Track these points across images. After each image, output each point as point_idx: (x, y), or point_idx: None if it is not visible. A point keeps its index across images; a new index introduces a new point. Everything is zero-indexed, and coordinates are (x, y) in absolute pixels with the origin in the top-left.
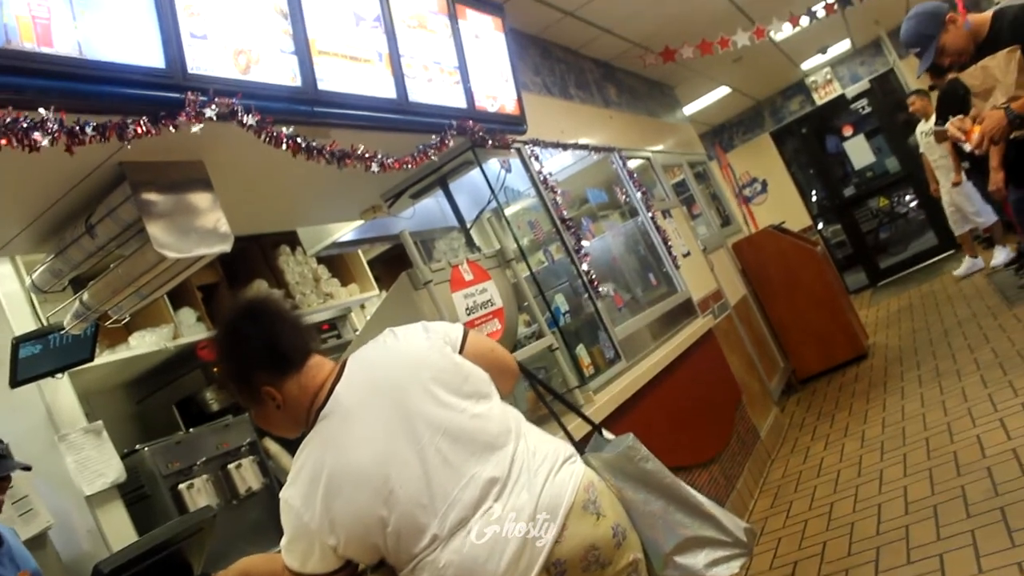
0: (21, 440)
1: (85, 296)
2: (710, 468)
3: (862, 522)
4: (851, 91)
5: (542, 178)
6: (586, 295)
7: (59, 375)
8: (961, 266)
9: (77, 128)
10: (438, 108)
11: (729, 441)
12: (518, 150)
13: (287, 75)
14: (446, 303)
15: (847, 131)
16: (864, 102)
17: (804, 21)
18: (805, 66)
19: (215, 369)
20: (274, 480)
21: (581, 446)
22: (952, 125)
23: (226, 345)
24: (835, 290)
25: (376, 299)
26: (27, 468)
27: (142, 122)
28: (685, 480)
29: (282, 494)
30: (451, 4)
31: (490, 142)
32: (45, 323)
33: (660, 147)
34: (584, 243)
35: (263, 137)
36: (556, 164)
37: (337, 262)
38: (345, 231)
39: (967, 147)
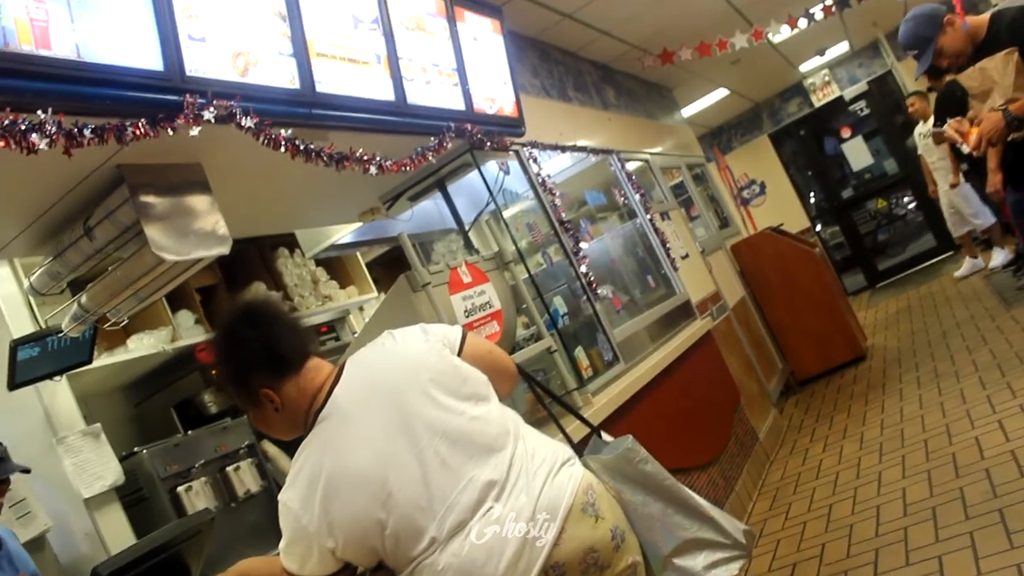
0: (19, 443)
1: (83, 298)
2: (709, 470)
3: (861, 524)
4: (849, 93)
5: (540, 180)
6: (584, 297)
7: (57, 378)
8: (962, 267)
9: (75, 130)
10: (436, 110)
11: (728, 443)
12: (516, 152)
13: (285, 77)
14: (444, 305)
15: (845, 133)
16: (862, 104)
17: (802, 23)
18: (803, 68)
19: (213, 372)
20: (272, 483)
21: (580, 448)
22: (950, 127)
23: (224, 347)
24: (833, 292)
25: (375, 301)
26: (26, 471)
27: (140, 124)
28: (684, 482)
29: (280, 497)
30: (449, 6)
31: (488, 144)
32: (43, 325)
33: (658, 149)
34: (582, 245)
35: (261, 139)
36: (554, 166)
37: (335, 264)
38: (343, 233)
39: (965, 149)
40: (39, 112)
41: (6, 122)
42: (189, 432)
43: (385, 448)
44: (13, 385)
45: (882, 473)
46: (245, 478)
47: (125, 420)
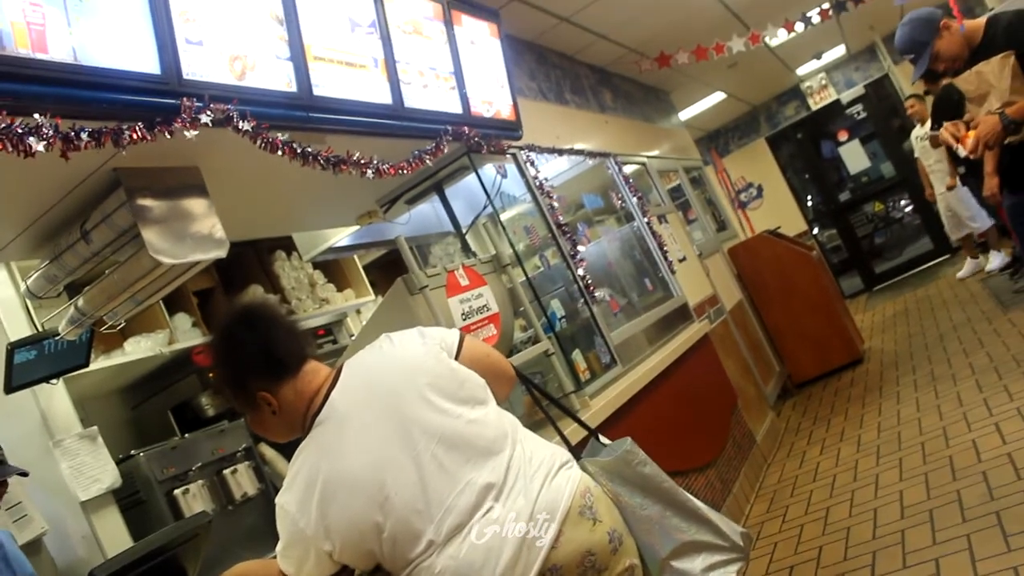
0: (16, 446)
1: (80, 302)
2: (706, 473)
3: (858, 527)
4: (846, 96)
5: (538, 183)
6: (582, 300)
7: (54, 381)
8: (964, 268)
9: (72, 134)
10: (434, 114)
11: (725, 446)
12: (514, 155)
13: (282, 81)
14: (442, 308)
15: (842, 136)
16: (859, 107)
17: (799, 27)
18: (800, 72)
19: (211, 374)
20: (270, 485)
21: (577, 451)
22: (946, 130)
23: (222, 350)
24: (831, 295)
25: (372, 304)
26: (24, 474)
27: (137, 128)
28: (681, 485)
29: (278, 500)
30: (447, 10)
31: (486, 148)
32: (40, 329)
33: (656, 152)
34: (580, 248)
35: (258, 143)
36: (552, 169)
37: (333, 267)
38: (341, 236)
39: (961, 152)
40: (36, 115)
41: (3, 125)
42: (186, 435)
43: (382, 451)
44: (10, 388)
45: (879, 476)
46: (242, 481)
47: (122, 423)
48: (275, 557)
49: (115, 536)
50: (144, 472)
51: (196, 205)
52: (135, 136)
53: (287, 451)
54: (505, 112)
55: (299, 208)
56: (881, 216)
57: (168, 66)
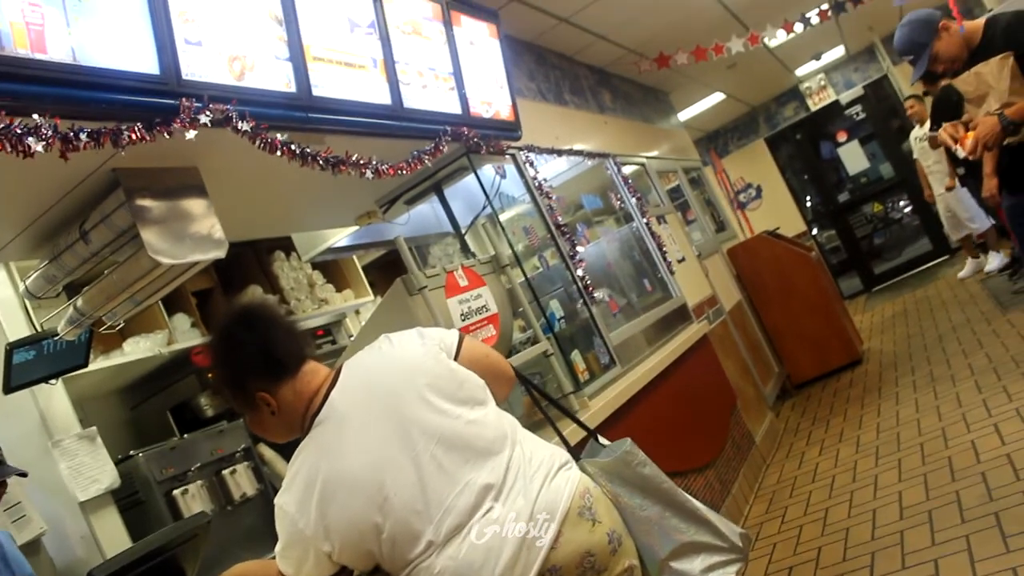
0: (15, 446)
1: (79, 302)
2: (705, 473)
3: (857, 527)
4: (845, 97)
5: (537, 184)
6: (581, 301)
7: (53, 381)
8: (964, 268)
9: (71, 134)
10: (433, 114)
11: (724, 446)
12: (513, 156)
13: (282, 81)
14: (441, 309)
15: (841, 137)
16: (858, 108)
17: (798, 27)
18: (799, 72)
19: (210, 375)
20: (269, 486)
21: (577, 452)
22: (944, 131)
23: (221, 351)
24: (830, 295)
25: (371, 305)
26: (23, 474)
27: (136, 128)
28: (680, 485)
29: (277, 500)
30: (446, 11)
31: (485, 148)
32: (39, 329)
33: (655, 153)
34: (579, 249)
35: (258, 143)
36: (551, 170)
37: (332, 268)
38: (340, 237)
39: (960, 153)
40: (35, 116)
41: (2, 126)
42: (185, 435)
43: (381, 452)
44: (9, 389)
45: (878, 476)
46: (241, 481)
47: (121, 423)
48: (274, 558)
49: (114, 536)
50: (143, 472)
51: (195, 205)
52: (134, 136)
53: (286, 451)
54: (504, 113)
55: (298, 208)
56: (880, 217)
57: (167, 66)
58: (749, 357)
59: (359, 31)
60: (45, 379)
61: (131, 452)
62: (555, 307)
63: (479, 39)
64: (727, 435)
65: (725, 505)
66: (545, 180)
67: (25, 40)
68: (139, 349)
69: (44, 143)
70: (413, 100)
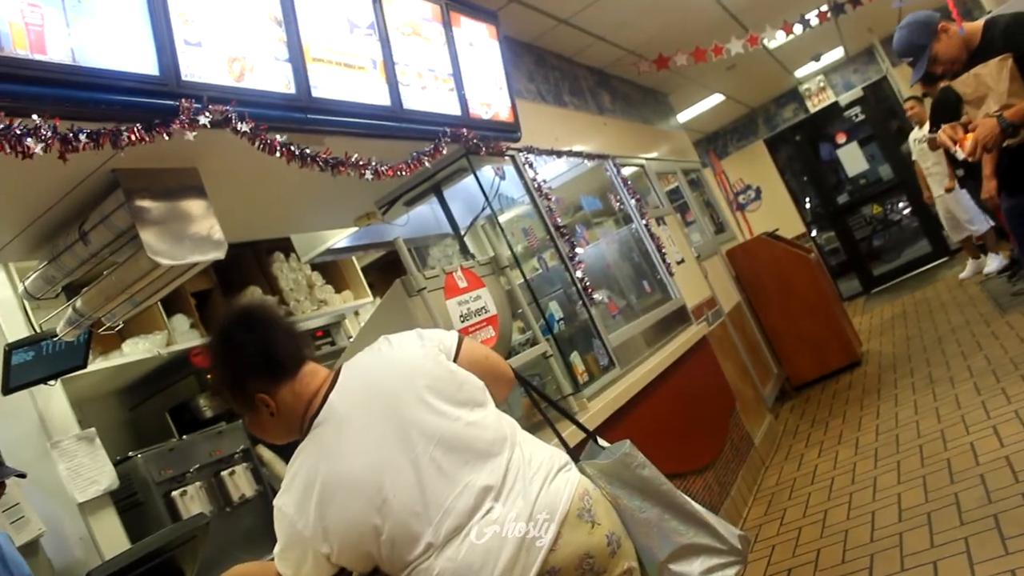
0: (13, 447)
1: (78, 303)
2: (704, 475)
3: (856, 529)
4: (844, 99)
5: (536, 185)
6: (580, 302)
7: (52, 382)
8: (965, 269)
9: (71, 135)
10: (432, 115)
11: (723, 448)
12: (512, 157)
13: (281, 82)
14: (440, 310)
15: (840, 138)
16: (857, 110)
17: (797, 29)
18: (799, 74)
19: (209, 376)
20: (268, 487)
21: (576, 453)
22: (943, 132)
23: (220, 352)
24: (829, 297)
25: (370, 306)
26: (22, 475)
27: (136, 129)
28: (679, 487)
29: (276, 501)
30: (445, 12)
31: (484, 149)
32: (38, 330)
33: (654, 154)
34: (578, 250)
35: (257, 144)
36: (550, 171)
37: (331, 269)
38: (339, 238)
39: (960, 155)
40: (34, 116)
41: (1, 126)
42: (184, 436)
43: (380, 453)
44: (7, 389)
45: (877, 478)
46: (240, 483)
47: (120, 424)
48: (273, 559)
49: (113, 538)
50: (142, 473)
51: (194, 206)
52: (133, 137)
53: (285, 453)
54: (504, 114)
55: (297, 209)
56: (879, 218)
57: (167, 67)
58: (748, 359)
59: (359, 32)
60: (44, 380)
61: (130, 453)
62: (554, 308)
63: (478, 40)
64: (726, 437)
65: (724, 507)
66: (544, 181)
67: (24, 41)
68: (138, 350)
69: (43, 144)
70: (412, 101)
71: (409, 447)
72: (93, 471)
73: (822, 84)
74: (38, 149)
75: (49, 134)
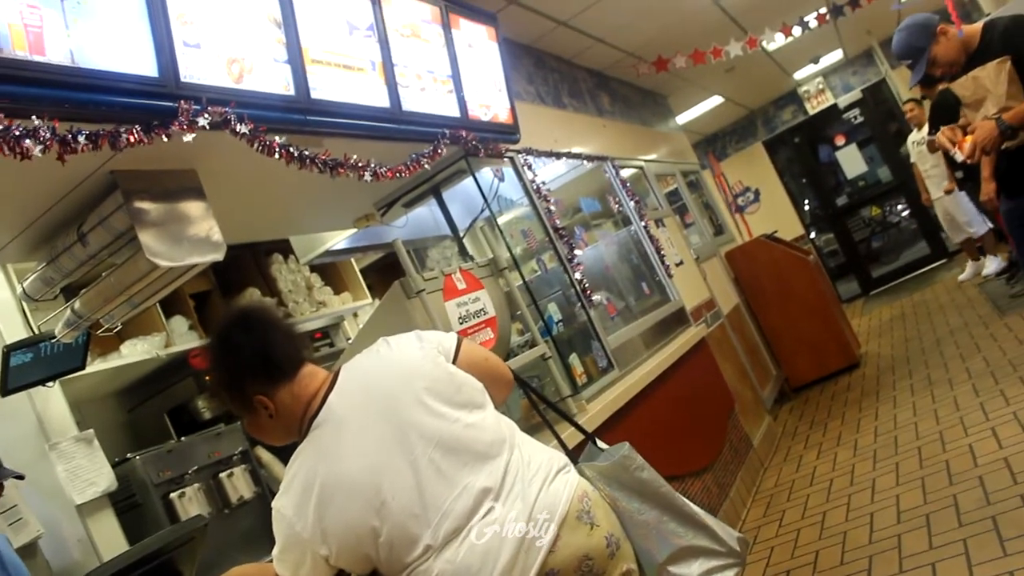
0: (11, 449)
1: (77, 304)
2: (703, 477)
3: (855, 531)
4: (843, 101)
5: (535, 187)
6: (579, 304)
7: (50, 384)
8: (965, 271)
9: (69, 136)
10: (431, 117)
11: (722, 450)
12: (511, 159)
13: (280, 84)
14: (439, 312)
15: (839, 140)
16: (856, 112)
17: (796, 31)
18: (797, 76)
19: (207, 377)
20: (266, 489)
21: (575, 455)
22: (942, 135)
23: (219, 354)
24: (827, 299)
25: (369, 308)
26: (20, 477)
27: (135, 131)
28: (678, 489)
29: (274, 503)
30: (445, 14)
31: (483, 151)
32: (36, 331)
33: (653, 156)
34: (577, 252)
35: (256, 146)
36: (549, 173)
37: (330, 270)
38: (338, 239)
39: (958, 157)
40: (33, 118)
41: (0, 128)
42: (182, 438)
43: (379, 455)
44: (5, 391)
45: (876, 480)
46: (238, 484)
47: (118, 426)
48: (271, 561)
49: (111, 540)
50: (140, 475)
51: (193, 208)
52: (132, 139)
53: (284, 454)
54: (503, 115)
55: (296, 211)
56: (878, 220)
57: (166, 69)
58: (747, 360)
59: (358, 34)
60: (42, 381)
61: (128, 455)
62: (553, 310)
63: (478, 42)
64: (725, 438)
65: (723, 509)
66: (543, 183)
67: (24, 42)
68: (136, 351)
69: (42, 145)
70: (411, 103)
71: (408, 449)
72: (91, 473)
73: (821, 86)
74: (37, 150)
75: (48, 135)
